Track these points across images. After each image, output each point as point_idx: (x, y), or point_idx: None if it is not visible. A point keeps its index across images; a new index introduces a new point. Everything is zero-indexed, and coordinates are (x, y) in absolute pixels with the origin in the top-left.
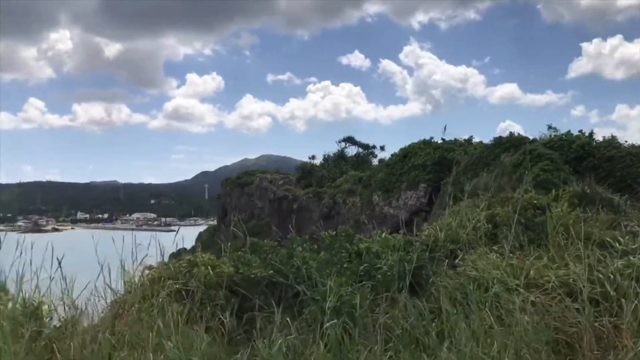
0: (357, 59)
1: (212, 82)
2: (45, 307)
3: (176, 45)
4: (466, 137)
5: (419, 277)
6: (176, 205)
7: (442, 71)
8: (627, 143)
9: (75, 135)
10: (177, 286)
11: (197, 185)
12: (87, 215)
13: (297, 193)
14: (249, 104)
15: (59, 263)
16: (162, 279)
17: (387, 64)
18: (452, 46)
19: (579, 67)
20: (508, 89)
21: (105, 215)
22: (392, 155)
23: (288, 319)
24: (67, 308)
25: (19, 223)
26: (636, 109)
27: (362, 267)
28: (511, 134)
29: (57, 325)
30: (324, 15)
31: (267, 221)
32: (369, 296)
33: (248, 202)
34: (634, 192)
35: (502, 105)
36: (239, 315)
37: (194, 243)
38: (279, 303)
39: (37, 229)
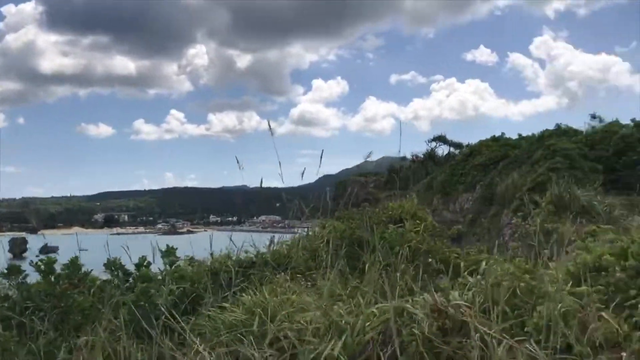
0: (482, 54)
1: (336, 86)
2: None
3: (302, 53)
4: None
5: None
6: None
7: (579, 61)
8: None
9: (211, 143)
10: None
11: (320, 188)
12: (219, 218)
13: (378, 196)
14: (372, 106)
15: None
16: None
17: (515, 58)
18: (592, 33)
19: None
20: None
21: (235, 218)
22: (459, 153)
23: None
24: None
25: (158, 226)
26: None
27: None
28: (557, 125)
29: None
30: (451, 12)
31: None
32: None
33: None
34: None
35: None
36: None
37: None
38: None
39: (173, 231)
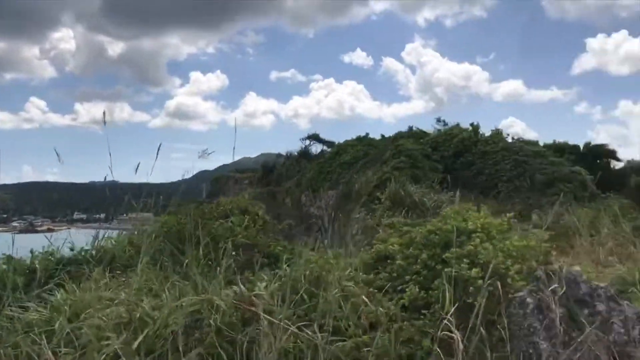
0: (359, 57)
1: (216, 80)
2: None
3: (180, 44)
4: None
5: None
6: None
7: (445, 69)
8: (513, 136)
9: (77, 135)
10: None
11: (196, 184)
12: (84, 216)
13: (251, 193)
14: (252, 101)
15: None
16: None
17: (389, 62)
18: (457, 43)
19: (583, 62)
20: (512, 86)
21: (102, 215)
22: (326, 151)
23: None
24: None
25: (14, 224)
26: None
27: None
28: (410, 128)
29: None
30: (331, 14)
31: None
32: None
33: None
34: (497, 191)
35: (506, 102)
36: None
37: None
38: None
39: (31, 229)
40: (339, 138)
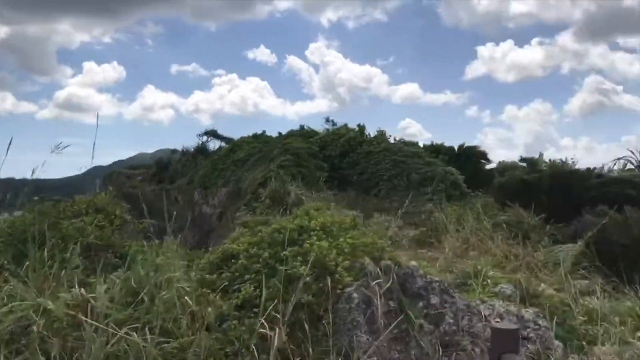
0: (263, 54)
1: (112, 71)
2: None
3: (72, 32)
4: None
5: None
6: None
7: (347, 70)
8: (397, 138)
9: None
10: None
11: (88, 180)
12: None
13: (144, 190)
14: (151, 94)
15: None
16: None
17: (293, 60)
18: (359, 45)
19: (474, 69)
20: (410, 89)
21: None
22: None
23: None
24: None
25: None
26: (523, 110)
27: None
28: (301, 127)
29: None
30: (234, 9)
31: None
32: None
33: None
34: (378, 190)
35: (404, 104)
36: None
37: None
38: None
39: None
40: (242, 135)
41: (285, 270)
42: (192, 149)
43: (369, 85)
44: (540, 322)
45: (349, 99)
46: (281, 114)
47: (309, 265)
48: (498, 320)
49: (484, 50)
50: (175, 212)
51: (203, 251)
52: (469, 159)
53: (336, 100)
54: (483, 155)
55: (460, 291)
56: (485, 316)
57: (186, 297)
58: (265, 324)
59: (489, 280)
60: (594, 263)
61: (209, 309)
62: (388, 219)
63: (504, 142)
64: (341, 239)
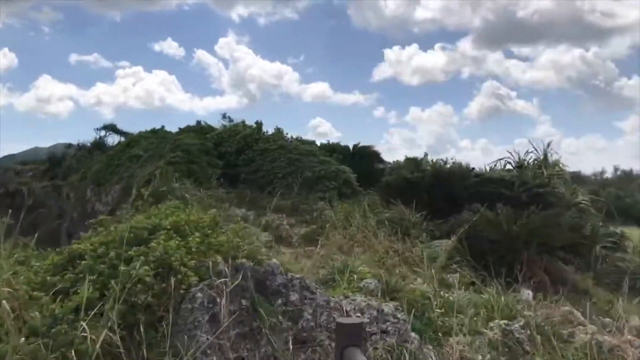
0: (170, 47)
1: (2, 58)
2: None
3: None
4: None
5: None
6: None
7: (258, 66)
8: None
9: None
10: None
11: None
12: None
13: (33, 186)
14: (47, 85)
15: None
16: None
17: (201, 54)
18: (269, 42)
19: (381, 71)
20: (320, 88)
21: None
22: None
23: None
24: None
25: None
26: (426, 112)
27: None
28: (198, 122)
29: None
30: None
31: None
32: None
33: None
34: (273, 187)
35: (315, 103)
36: None
37: None
38: None
39: None
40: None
41: (126, 270)
42: (89, 144)
43: (279, 82)
44: (399, 315)
45: (259, 96)
46: (189, 108)
47: (151, 265)
48: (359, 315)
49: (390, 53)
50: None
51: (51, 251)
52: (363, 158)
53: (246, 97)
54: (376, 155)
55: (326, 287)
56: (346, 311)
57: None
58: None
59: (355, 276)
60: (465, 257)
61: (37, 313)
62: (280, 216)
63: (409, 142)
64: (190, 238)
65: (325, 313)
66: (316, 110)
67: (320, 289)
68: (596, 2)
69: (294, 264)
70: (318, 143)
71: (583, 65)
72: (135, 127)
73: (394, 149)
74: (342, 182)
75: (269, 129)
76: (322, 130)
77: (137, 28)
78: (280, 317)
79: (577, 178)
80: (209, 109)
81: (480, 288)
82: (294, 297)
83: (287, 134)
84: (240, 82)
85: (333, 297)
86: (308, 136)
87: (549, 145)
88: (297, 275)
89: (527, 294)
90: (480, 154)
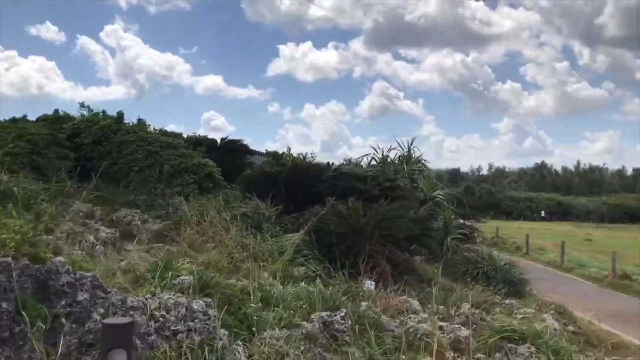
0: (49, 31)
1: None
2: None
3: None
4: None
5: None
6: None
7: (147, 56)
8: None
9: None
10: None
11: None
12: None
13: None
14: None
15: None
16: None
17: (85, 41)
18: (160, 32)
19: (276, 67)
20: (213, 81)
21: None
22: None
23: None
24: None
25: None
26: (320, 109)
27: None
28: (55, 110)
29: None
30: None
31: None
32: None
33: None
34: (129, 181)
35: (208, 96)
36: None
37: None
38: None
39: None
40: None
41: None
42: None
43: (171, 73)
44: (209, 312)
45: (148, 87)
46: (71, 98)
47: None
48: (164, 313)
49: (285, 49)
50: None
51: None
52: (232, 152)
53: (134, 87)
54: (246, 149)
55: (136, 285)
56: (150, 310)
57: None
58: None
59: (170, 273)
60: (313, 250)
61: None
62: (134, 212)
63: (303, 138)
64: None
65: (120, 313)
66: (209, 103)
67: (129, 288)
68: (476, 11)
69: (91, 262)
70: (215, 138)
71: (463, 69)
72: (6, 116)
73: (288, 145)
74: (203, 176)
75: (153, 121)
76: (215, 124)
77: (11, 9)
78: (63, 320)
79: (456, 174)
80: (93, 98)
81: (325, 280)
82: (82, 297)
83: (149, 125)
84: (128, 71)
85: (137, 296)
86: (201, 131)
87: (412, 142)
88: (89, 274)
89: (369, 284)
90: (371, 151)
